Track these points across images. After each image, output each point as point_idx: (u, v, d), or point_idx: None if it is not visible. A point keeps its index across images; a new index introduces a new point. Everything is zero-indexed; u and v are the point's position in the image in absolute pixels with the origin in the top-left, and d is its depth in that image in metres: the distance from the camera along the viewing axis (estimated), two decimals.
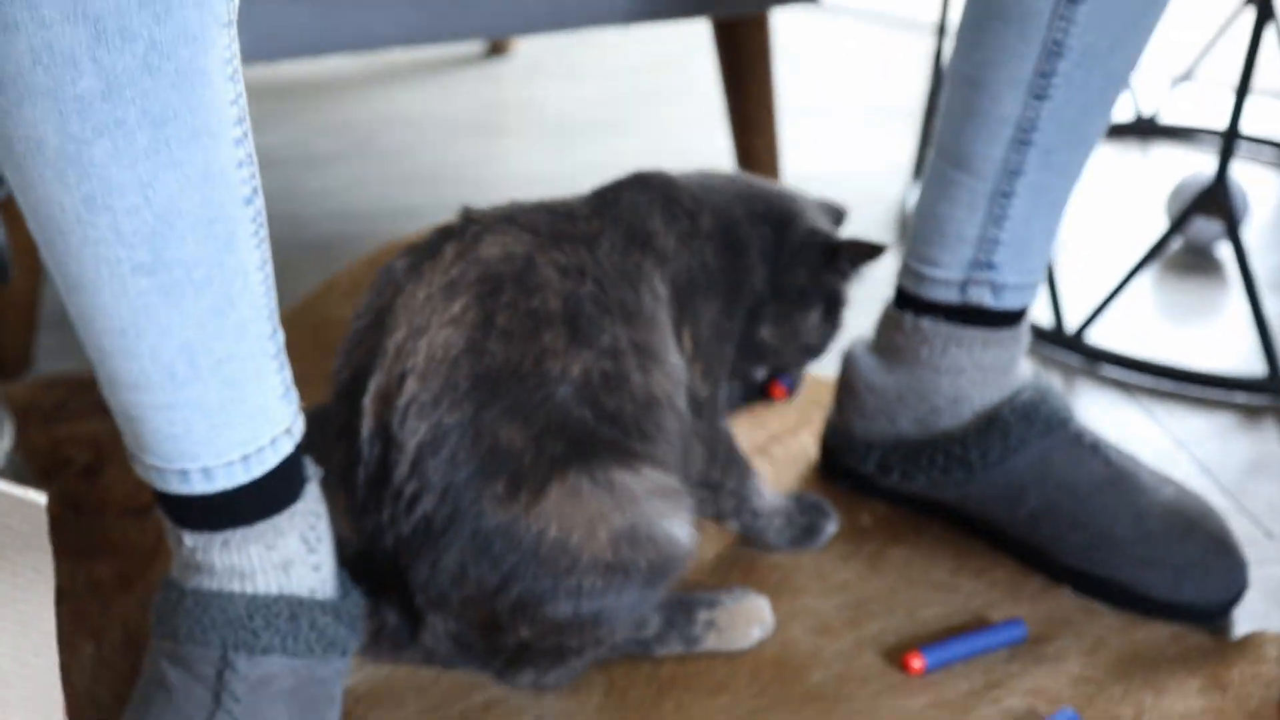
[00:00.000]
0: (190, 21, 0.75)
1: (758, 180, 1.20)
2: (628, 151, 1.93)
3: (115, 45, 0.73)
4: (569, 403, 0.97)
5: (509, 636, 0.99)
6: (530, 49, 2.26)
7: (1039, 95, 1.08)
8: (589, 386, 0.98)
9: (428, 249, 1.02)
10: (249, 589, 0.92)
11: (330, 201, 1.77)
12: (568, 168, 1.87)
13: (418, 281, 0.99)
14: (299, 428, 0.94)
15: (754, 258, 1.12)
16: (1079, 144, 1.12)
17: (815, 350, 1.19)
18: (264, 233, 0.86)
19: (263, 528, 0.92)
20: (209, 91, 0.78)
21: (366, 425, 0.98)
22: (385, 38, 1.31)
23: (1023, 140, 1.10)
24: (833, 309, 1.17)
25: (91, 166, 0.76)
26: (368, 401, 0.98)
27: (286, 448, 0.92)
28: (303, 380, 0.95)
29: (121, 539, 1.18)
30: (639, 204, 1.08)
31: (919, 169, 1.81)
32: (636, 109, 2.06)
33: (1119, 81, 1.10)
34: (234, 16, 0.78)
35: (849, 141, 2.00)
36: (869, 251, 1.14)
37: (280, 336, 0.90)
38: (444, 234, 1.03)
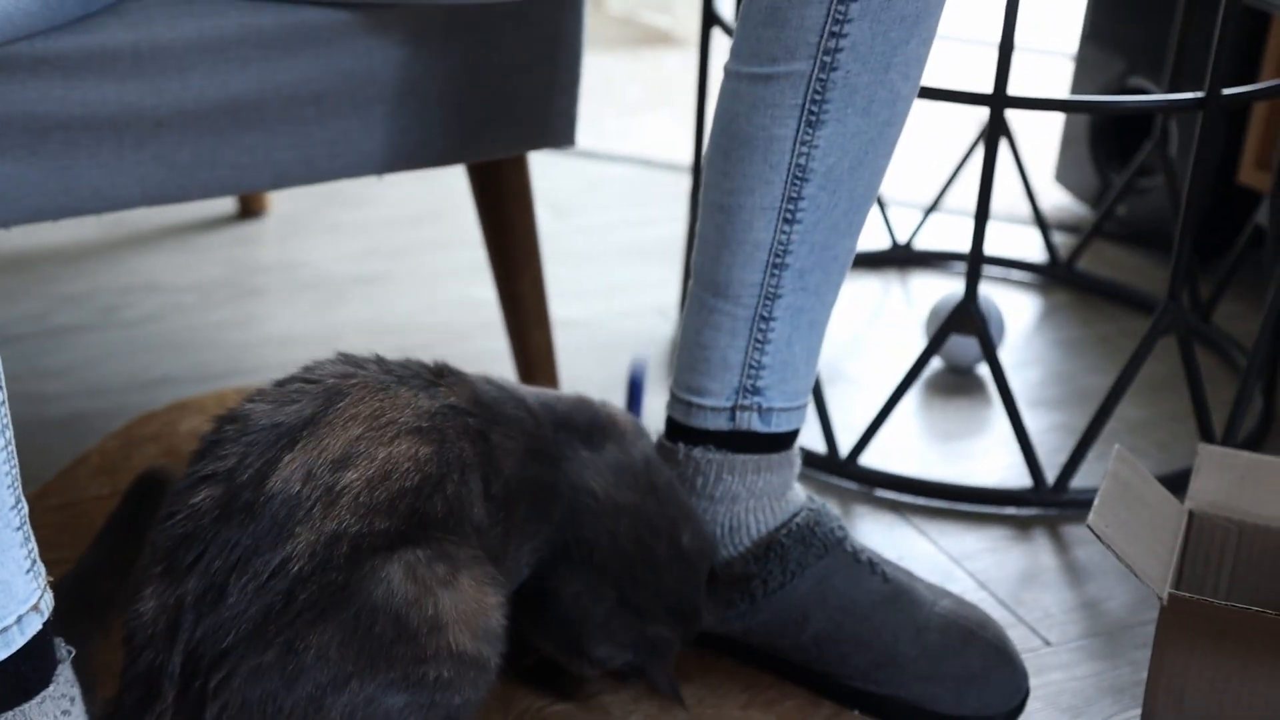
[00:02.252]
0: None
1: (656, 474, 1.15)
2: (393, 306, 1.90)
3: None
4: None
5: None
6: (284, 208, 2.22)
7: (789, 219, 1.11)
8: None
9: (411, 375, 1.04)
10: None
11: (76, 376, 1.70)
12: (331, 326, 1.84)
13: (385, 395, 1.00)
14: (47, 605, 0.88)
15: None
16: (831, 265, 1.14)
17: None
18: (3, 395, 0.81)
19: (10, 717, 0.86)
20: None
21: (286, 470, 0.95)
22: (128, 198, 1.26)
23: (777, 264, 1.12)
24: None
25: None
26: (290, 454, 0.96)
27: (34, 626, 0.86)
28: (50, 565, 0.89)
29: None
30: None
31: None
32: (399, 263, 2.04)
33: (864, 203, 1.13)
34: None
35: (615, 284, 2.01)
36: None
37: (24, 509, 0.85)
38: (430, 372, 1.06)
